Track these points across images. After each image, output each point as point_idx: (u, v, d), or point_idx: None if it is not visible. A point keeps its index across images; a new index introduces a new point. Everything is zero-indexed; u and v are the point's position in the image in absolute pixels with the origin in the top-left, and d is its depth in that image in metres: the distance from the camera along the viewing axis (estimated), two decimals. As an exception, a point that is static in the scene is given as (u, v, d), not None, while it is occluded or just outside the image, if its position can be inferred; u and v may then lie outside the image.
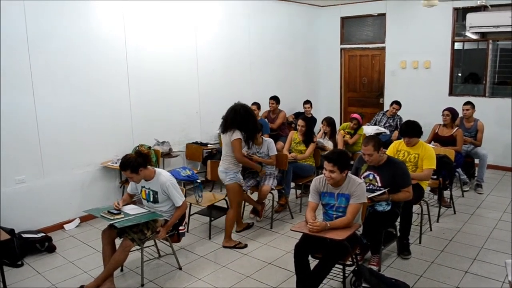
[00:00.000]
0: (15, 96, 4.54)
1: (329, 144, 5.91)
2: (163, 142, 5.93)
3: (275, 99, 7.22)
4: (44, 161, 4.84)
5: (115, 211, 3.66)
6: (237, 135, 4.26)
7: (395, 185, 3.74)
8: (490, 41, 7.10)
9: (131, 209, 3.79)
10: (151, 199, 3.85)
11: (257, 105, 6.95)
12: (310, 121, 5.93)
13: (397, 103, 7.34)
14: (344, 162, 3.30)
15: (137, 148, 5.44)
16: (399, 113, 7.37)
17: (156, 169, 3.89)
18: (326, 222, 3.26)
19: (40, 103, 4.73)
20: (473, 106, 6.16)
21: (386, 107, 7.62)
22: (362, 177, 3.87)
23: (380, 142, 3.79)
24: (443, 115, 5.91)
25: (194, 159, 6.38)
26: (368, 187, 3.80)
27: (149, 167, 3.78)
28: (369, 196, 3.60)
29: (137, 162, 3.66)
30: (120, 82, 5.51)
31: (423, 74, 7.78)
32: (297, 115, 7.82)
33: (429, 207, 4.78)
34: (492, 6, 6.82)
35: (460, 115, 6.21)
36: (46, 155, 4.84)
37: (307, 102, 7.70)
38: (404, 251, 4.16)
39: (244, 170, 5.09)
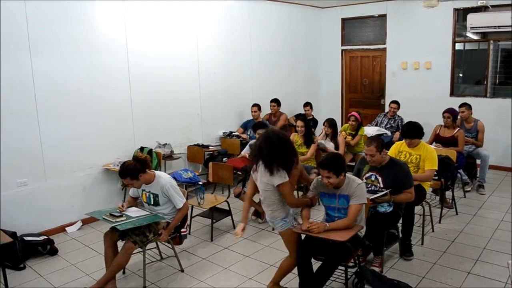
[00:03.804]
0: (17, 99, 4.55)
1: (330, 146, 5.90)
2: (164, 145, 5.93)
3: (276, 102, 7.22)
4: (46, 164, 4.85)
5: (117, 214, 3.66)
6: (282, 177, 3.17)
7: (397, 186, 3.73)
8: (491, 41, 7.09)
9: (133, 212, 3.79)
10: (152, 202, 3.85)
11: (258, 106, 6.95)
12: (309, 122, 5.93)
13: (395, 102, 7.35)
14: (338, 166, 3.24)
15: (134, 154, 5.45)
16: (400, 114, 7.37)
17: (156, 172, 3.89)
18: (325, 223, 3.26)
19: (41, 106, 4.74)
20: (469, 107, 6.13)
21: (387, 108, 7.62)
22: (364, 178, 3.87)
23: (382, 143, 3.78)
24: (443, 117, 5.89)
25: (195, 161, 6.39)
26: (370, 188, 3.80)
27: (148, 170, 3.78)
28: (371, 198, 3.60)
29: (136, 169, 3.64)
30: (122, 85, 5.52)
31: (424, 75, 7.77)
32: (298, 117, 7.81)
33: (431, 208, 4.78)
34: (492, 6, 6.82)
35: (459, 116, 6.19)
36: (48, 158, 4.85)
37: (307, 104, 7.71)
38: (406, 252, 4.15)
39: (247, 172, 5.10)
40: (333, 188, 3.36)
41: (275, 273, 3.60)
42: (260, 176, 3.26)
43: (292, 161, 3.28)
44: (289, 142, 3.30)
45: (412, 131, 4.41)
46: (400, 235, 4.15)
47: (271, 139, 3.19)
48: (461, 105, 6.16)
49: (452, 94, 7.54)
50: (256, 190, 3.48)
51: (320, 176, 3.41)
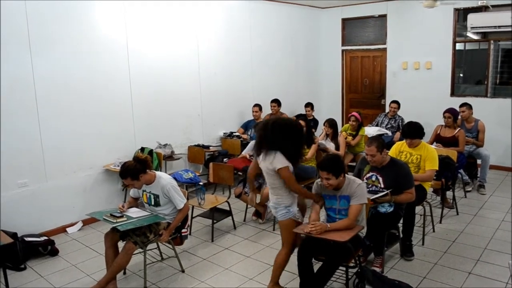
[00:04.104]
0: (17, 99, 4.55)
1: (331, 146, 5.90)
2: (165, 145, 5.93)
3: (276, 102, 7.22)
4: (47, 165, 4.85)
5: (118, 214, 3.66)
6: (281, 161, 3.21)
7: (398, 187, 3.73)
8: (492, 41, 7.09)
9: (134, 212, 3.79)
10: (153, 203, 3.85)
11: (259, 106, 6.96)
12: (310, 122, 5.93)
13: (395, 102, 7.36)
14: (337, 167, 3.26)
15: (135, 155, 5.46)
16: (401, 114, 7.36)
17: (157, 172, 3.89)
18: (326, 224, 3.26)
19: (42, 106, 4.74)
20: (469, 107, 6.13)
21: (388, 108, 7.62)
22: (365, 178, 3.87)
23: (383, 143, 3.78)
24: (444, 117, 5.88)
25: (196, 161, 6.39)
26: (371, 189, 3.80)
27: (148, 171, 3.78)
28: (372, 198, 3.60)
29: (136, 169, 3.64)
30: (122, 85, 5.52)
31: (425, 75, 7.77)
32: (299, 117, 7.79)
33: (431, 208, 4.78)
34: (493, 6, 6.81)
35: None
36: (48, 159, 4.85)
37: (308, 104, 7.70)
38: (407, 252, 4.15)
39: (247, 173, 5.10)
40: (333, 190, 3.37)
41: (272, 272, 3.57)
42: (262, 161, 3.31)
43: (297, 148, 3.34)
44: (292, 130, 3.29)
45: (413, 131, 4.41)
46: (401, 235, 4.15)
47: (273, 125, 3.26)
48: (461, 105, 6.16)
49: (453, 94, 7.53)
50: (257, 171, 3.54)
51: (319, 179, 3.42)
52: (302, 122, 5.53)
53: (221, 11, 6.78)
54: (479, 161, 6.19)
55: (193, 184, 5.32)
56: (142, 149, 5.66)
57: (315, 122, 7.62)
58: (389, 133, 7.13)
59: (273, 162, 3.22)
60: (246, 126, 7.09)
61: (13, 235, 4.26)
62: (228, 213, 5.01)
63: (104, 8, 5.24)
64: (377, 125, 7.43)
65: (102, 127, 5.33)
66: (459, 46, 7.55)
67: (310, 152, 5.43)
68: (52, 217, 4.95)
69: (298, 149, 3.37)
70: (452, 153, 5.20)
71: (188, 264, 4.19)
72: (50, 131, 4.83)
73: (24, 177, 4.69)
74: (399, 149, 4.55)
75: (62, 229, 5.06)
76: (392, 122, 7.34)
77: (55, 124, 4.87)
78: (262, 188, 5.06)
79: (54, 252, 4.48)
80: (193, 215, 4.87)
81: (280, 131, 3.23)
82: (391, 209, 3.77)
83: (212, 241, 4.72)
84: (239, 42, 7.14)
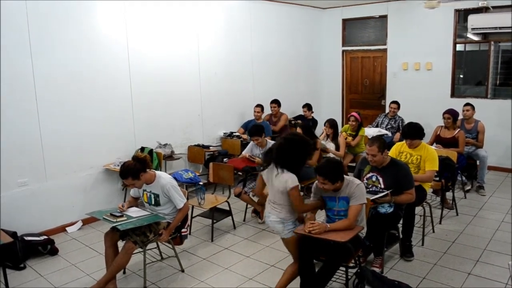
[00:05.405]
0: (17, 99, 4.55)
1: (331, 146, 5.91)
2: (165, 145, 5.94)
3: (276, 103, 7.22)
4: (47, 164, 4.85)
5: (118, 214, 3.66)
6: (293, 180, 3.22)
7: (398, 187, 3.73)
8: (492, 42, 7.09)
9: (134, 212, 3.79)
10: (153, 202, 3.85)
11: (261, 107, 6.95)
12: (308, 122, 5.91)
13: (395, 102, 7.36)
14: (334, 175, 3.24)
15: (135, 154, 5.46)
16: (401, 114, 7.37)
17: (157, 172, 3.89)
18: (326, 224, 3.26)
19: (42, 106, 4.74)
20: (473, 107, 6.15)
21: (388, 109, 7.62)
22: (365, 178, 3.87)
23: (384, 143, 3.77)
24: (444, 118, 5.89)
25: (196, 161, 6.39)
26: (371, 189, 3.80)
27: (149, 170, 3.78)
28: (372, 198, 3.60)
29: (137, 168, 3.64)
30: (123, 85, 5.52)
31: (425, 76, 7.77)
32: (298, 119, 7.81)
33: (431, 209, 4.78)
34: (493, 7, 6.82)
35: (461, 116, 6.18)
36: (48, 158, 4.85)
37: (305, 105, 7.71)
38: (406, 253, 4.15)
39: (247, 172, 5.11)
40: (332, 191, 3.37)
41: (280, 280, 3.45)
42: (274, 178, 3.30)
43: (301, 165, 3.34)
44: (301, 147, 3.30)
45: (413, 132, 4.41)
46: (401, 236, 4.15)
47: (285, 144, 3.29)
48: (465, 104, 6.20)
49: (453, 95, 7.54)
50: (263, 186, 3.62)
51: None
52: (299, 129, 5.47)
53: (221, 11, 6.78)
54: (478, 162, 6.19)
55: (193, 184, 5.32)
56: (142, 149, 5.66)
57: (314, 123, 7.62)
58: (389, 133, 7.13)
59: (287, 181, 3.20)
60: (246, 126, 7.08)
61: (13, 234, 4.26)
62: (228, 213, 5.01)
63: (104, 8, 5.24)
64: (377, 126, 7.44)
65: (102, 126, 5.33)
66: (459, 47, 7.55)
67: (314, 158, 5.38)
68: (52, 217, 4.95)
69: (303, 165, 3.38)
70: (452, 154, 5.20)
71: (187, 264, 4.19)
72: (50, 130, 4.83)
73: (24, 176, 4.69)
74: (399, 150, 4.55)
75: (62, 229, 5.06)
76: (392, 122, 7.35)
77: (55, 123, 4.87)
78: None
79: (53, 252, 4.48)
80: (193, 215, 4.87)
81: (296, 150, 3.26)
82: (391, 209, 3.77)
83: (212, 241, 4.72)
84: (240, 42, 7.14)
